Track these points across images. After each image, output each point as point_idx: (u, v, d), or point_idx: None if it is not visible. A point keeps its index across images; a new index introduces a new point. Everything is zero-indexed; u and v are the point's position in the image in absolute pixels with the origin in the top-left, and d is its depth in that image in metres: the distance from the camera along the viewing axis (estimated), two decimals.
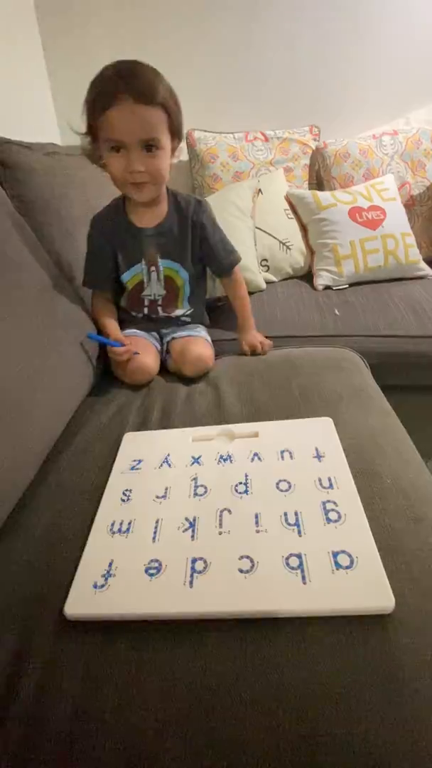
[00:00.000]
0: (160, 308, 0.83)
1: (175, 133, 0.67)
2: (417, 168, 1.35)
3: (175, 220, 0.77)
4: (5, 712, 0.34)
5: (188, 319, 0.87)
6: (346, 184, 1.33)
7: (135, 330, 0.84)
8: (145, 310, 0.83)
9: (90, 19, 1.36)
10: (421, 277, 1.20)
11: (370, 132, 1.42)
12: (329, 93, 1.49)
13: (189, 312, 0.86)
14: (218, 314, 0.97)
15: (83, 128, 0.66)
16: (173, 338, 0.83)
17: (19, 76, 1.28)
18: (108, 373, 0.79)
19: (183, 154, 1.43)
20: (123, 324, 0.84)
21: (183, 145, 1.40)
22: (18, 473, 0.53)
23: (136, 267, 0.79)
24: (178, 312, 0.85)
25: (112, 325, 0.80)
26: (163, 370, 0.82)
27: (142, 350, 0.77)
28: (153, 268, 0.78)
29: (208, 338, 0.87)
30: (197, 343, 0.80)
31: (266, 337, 0.87)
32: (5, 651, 0.37)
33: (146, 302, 0.82)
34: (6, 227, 0.69)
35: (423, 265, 1.20)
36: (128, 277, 0.80)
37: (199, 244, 0.79)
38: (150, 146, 0.63)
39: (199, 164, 1.37)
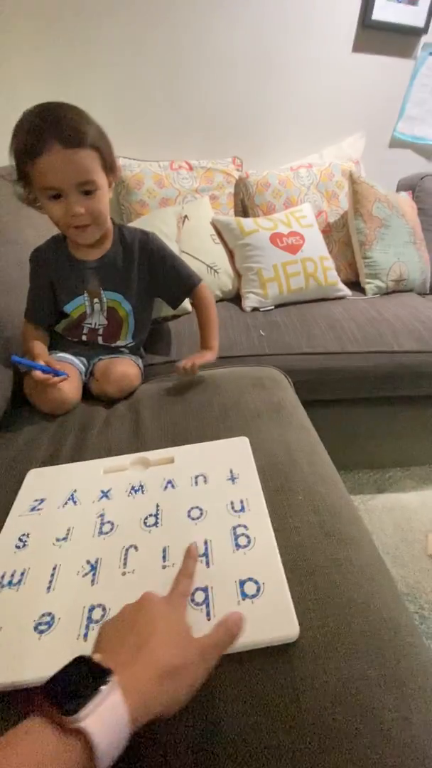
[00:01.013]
0: (100, 337, 0.81)
1: (109, 169, 0.66)
2: (331, 198, 1.46)
3: (119, 251, 0.76)
4: None
5: (126, 351, 0.84)
6: (268, 212, 1.40)
7: (63, 354, 0.79)
8: (83, 338, 0.80)
9: (7, 50, 1.34)
10: (340, 297, 1.27)
11: (288, 164, 1.53)
12: (251, 128, 1.59)
13: (129, 344, 0.84)
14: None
15: (14, 174, 0.64)
16: (99, 359, 0.80)
17: None
18: (18, 400, 0.74)
19: None
20: (52, 348, 0.81)
21: None
22: None
23: (78, 299, 0.77)
24: (119, 343, 0.83)
25: (39, 347, 0.76)
26: (85, 393, 0.78)
27: (68, 379, 0.72)
28: (96, 299, 0.77)
29: (138, 361, 0.84)
30: (122, 362, 0.78)
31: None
32: None
33: (85, 329, 0.80)
34: None
35: (341, 286, 1.28)
36: (71, 308, 0.78)
37: (146, 275, 0.78)
38: (87, 189, 0.62)
39: (125, 190, 1.37)
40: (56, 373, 0.69)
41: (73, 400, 0.73)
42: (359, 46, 1.52)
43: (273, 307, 1.20)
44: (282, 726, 0.30)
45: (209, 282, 1.23)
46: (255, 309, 1.20)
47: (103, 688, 0.24)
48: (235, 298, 1.27)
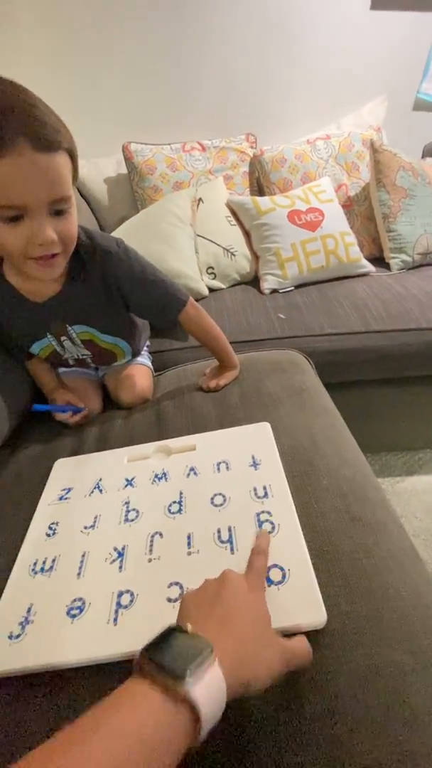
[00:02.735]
0: (92, 363, 0.73)
1: (76, 177, 0.49)
2: (351, 170, 1.39)
3: (79, 281, 0.59)
4: None
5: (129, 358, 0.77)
6: (285, 189, 1.35)
7: (71, 369, 0.74)
8: (73, 366, 0.73)
9: (12, 27, 1.32)
10: (364, 275, 1.22)
11: (304, 138, 1.46)
12: (263, 102, 1.53)
13: (129, 358, 0.77)
14: None
15: None
16: (105, 373, 0.77)
17: None
18: (40, 397, 0.75)
19: (121, 167, 1.42)
20: (58, 364, 0.74)
21: (120, 157, 1.40)
22: None
23: (42, 341, 0.65)
24: (116, 364, 0.75)
25: (49, 382, 0.71)
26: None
27: (83, 395, 0.70)
28: (63, 337, 0.65)
29: (148, 362, 0.80)
30: (136, 375, 0.73)
31: None
32: None
33: (71, 362, 0.71)
34: None
35: (364, 262, 1.23)
36: (37, 350, 0.67)
37: (120, 300, 0.63)
38: (60, 208, 0.46)
39: (138, 176, 1.36)
40: (75, 411, 0.66)
41: (96, 414, 0.71)
42: (378, 2, 1.42)
43: (293, 287, 1.17)
44: (309, 711, 0.30)
45: (226, 265, 1.21)
46: (274, 291, 1.17)
47: (207, 657, 0.24)
48: (253, 281, 1.25)
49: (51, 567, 0.42)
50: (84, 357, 0.70)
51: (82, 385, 0.74)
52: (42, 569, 0.42)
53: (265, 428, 0.55)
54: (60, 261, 0.51)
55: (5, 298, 0.59)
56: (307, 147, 1.39)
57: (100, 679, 0.34)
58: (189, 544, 0.41)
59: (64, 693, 0.34)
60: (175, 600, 0.36)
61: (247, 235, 1.26)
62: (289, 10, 1.40)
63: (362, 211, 1.37)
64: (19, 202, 0.43)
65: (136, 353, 0.77)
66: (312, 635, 0.33)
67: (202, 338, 0.70)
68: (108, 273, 0.59)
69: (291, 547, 0.39)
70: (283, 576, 0.37)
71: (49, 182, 0.44)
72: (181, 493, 0.47)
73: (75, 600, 0.38)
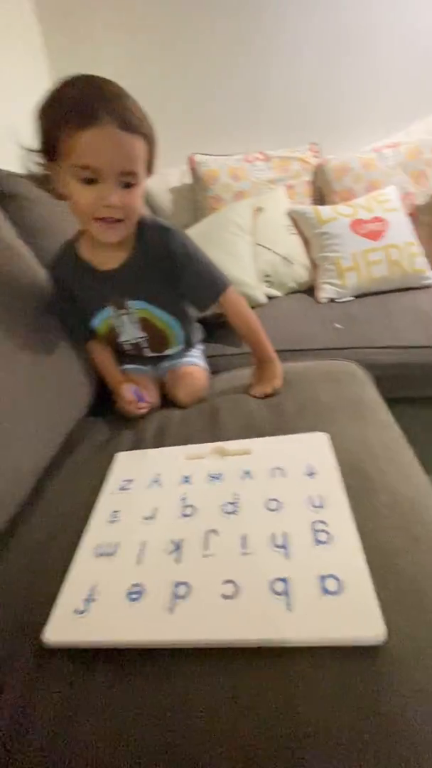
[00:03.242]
0: (146, 350, 0.77)
1: (151, 167, 0.60)
2: (420, 178, 1.34)
3: (141, 255, 0.67)
4: None
5: (181, 350, 0.82)
6: (348, 198, 1.33)
7: (133, 366, 0.80)
8: (129, 351, 0.78)
9: (93, 44, 1.42)
10: (429, 286, 1.17)
11: (371, 146, 1.43)
12: (328, 111, 1.52)
13: (181, 348, 0.82)
14: (217, 328, 0.97)
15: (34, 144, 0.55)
16: (164, 368, 0.81)
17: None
18: (106, 392, 0.80)
19: (185, 177, 1.47)
20: (119, 360, 0.80)
21: (184, 168, 1.46)
22: (9, 491, 0.54)
23: (103, 312, 0.72)
24: (170, 351, 0.80)
25: (116, 375, 0.76)
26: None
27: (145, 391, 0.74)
28: (123, 311, 0.71)
29: (203, 363, 0.83)
30: (192, 374, 0.77)
31: None
32: None
33: (127, 347, 0.77)
34: (8, 254, 0.72)
35: (430, 273, 1.18)
36: (97, 324, 0.73)
37: (172, 278, 0.69)
38: (129, 181, 0.56)
39: (201, 186, 1.40)
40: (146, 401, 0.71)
41: (155, 407, 0.74)
42: None
43: (352, 297, 1.15)
44: (365, 727, 0.30)
45: (283, 273, 1.22)
46: (332, 300, 1.15)
47: None
48: (310, 290, 1.24)
49: (113, 552, 0.44)
50: (139, 340, 0.75)
51: (142, 380, 0.78)
52: (105, 552, 0.44)
53: (322, 438, 0.54)
54: (121, 228, 0.60)
55: (76, 267, 0.69)
56: (374, 155, 1.36)
57: (153, 662, 0.36)
58: (243, 545, 0.42)
59: (121, 670, 0.36)
60: (230, 597, 0.37)
61: (306, 243, 1.26)
62: (356, 17, 1.39)
63: (429, 220, 1.32)
64: (96, 165, 0.53)
65: (188, 343, 0.82)
66: (370, 651, 0.33)
67: (240, 325, 0.74)
68: (165, 247, 0.67)
69: (348, 559, 0.39)
70: (340, 587, 0.36)
71: (123, 155, 0.54)
72: (236, 495, 0.48)
73: (134, 585, 0.40)
